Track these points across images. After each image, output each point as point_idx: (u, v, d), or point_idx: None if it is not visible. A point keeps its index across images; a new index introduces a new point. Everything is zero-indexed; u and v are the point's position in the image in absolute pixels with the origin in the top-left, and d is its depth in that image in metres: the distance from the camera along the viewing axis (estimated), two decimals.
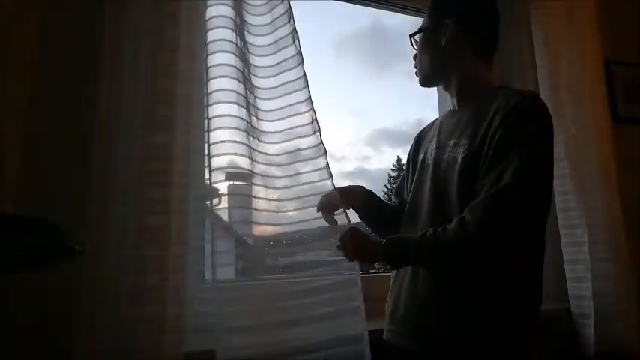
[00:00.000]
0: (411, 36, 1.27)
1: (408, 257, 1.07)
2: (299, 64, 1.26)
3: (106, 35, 1.12)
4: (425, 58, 1.23)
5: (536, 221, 1.00)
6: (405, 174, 1.36)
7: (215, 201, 1.20)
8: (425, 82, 1.26)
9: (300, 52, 1.27)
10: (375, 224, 1.34)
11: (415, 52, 1.27)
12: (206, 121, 1.19)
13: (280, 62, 1.28)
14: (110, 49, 1.12)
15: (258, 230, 1.27)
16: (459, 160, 1.06)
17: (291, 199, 1.25)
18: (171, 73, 1.13)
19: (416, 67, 1.27)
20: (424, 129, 1.37)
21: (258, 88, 1.26)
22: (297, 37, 1.27)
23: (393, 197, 1.42)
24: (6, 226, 0.60)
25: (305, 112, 1.26)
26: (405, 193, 1.33)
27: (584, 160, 1.65)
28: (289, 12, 1.28)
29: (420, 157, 1.25)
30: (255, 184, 1.22)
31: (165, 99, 1.12)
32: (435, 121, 1.35)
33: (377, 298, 1.24)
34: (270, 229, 1.26)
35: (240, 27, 1.26)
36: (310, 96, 1.25)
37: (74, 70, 1.20)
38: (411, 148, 1.36)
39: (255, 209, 1.22)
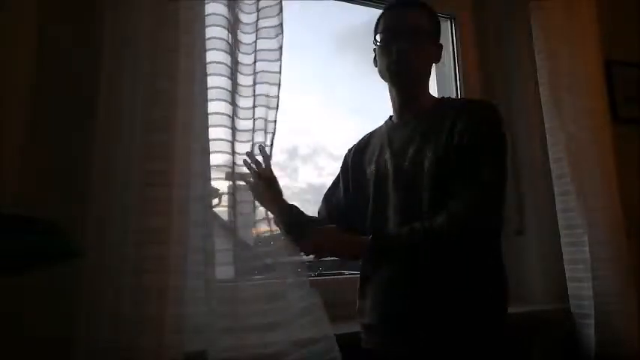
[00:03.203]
0: (414, 32, 1.18)
1: (399, 244, 1.07)
2: (277, 60, 1.24)
3: (106, 35, 1.12)
4: (423, 66, 1.24)
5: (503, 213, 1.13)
6: (342, 185, 1.35)
7: (215, 201, 1.20)
8: (411, 86, 1.23)
9: (280, 49, 1.24)
10: None
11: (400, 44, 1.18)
12: (205, 118, 1.18)
13: (259, 50, 1.25)
14: (110, 49, 1.12)
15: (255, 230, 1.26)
16: (427, 165, 1.10)
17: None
18: (171, 74, 1.13)
19: (401, 61, 1.18)
20: (359, 143, 1.36)
21: (240, 85, 1.24)
22: (282, 34, 1.24)
23: (321, 205, 1.41)
24: (6, 226, 0.60)
25: (271, 109, 1.25)
26: (336, 199, 1.36)
27: (584, 160, 1.65)
28: (279, 6, 1.25)
29: (371, 168, 1.24)
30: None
31: (165, 99, 1.12)
32: (370, 134, 1.36)
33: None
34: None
35: (233, 25, 1.25)
36: (279, 95, 1.24)
37: (74, 70, 1.19)
38: (349, 162, 1.35)
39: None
